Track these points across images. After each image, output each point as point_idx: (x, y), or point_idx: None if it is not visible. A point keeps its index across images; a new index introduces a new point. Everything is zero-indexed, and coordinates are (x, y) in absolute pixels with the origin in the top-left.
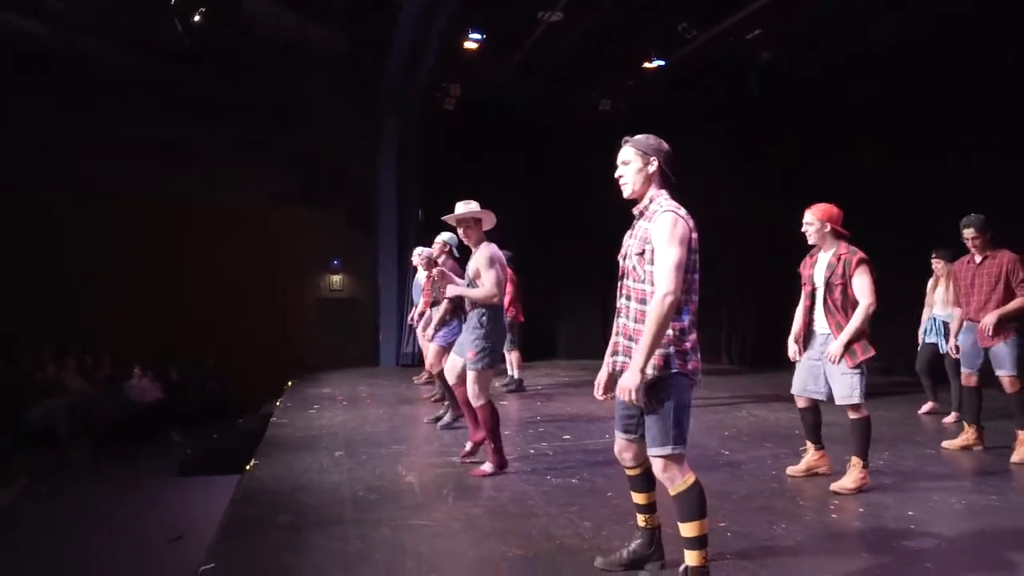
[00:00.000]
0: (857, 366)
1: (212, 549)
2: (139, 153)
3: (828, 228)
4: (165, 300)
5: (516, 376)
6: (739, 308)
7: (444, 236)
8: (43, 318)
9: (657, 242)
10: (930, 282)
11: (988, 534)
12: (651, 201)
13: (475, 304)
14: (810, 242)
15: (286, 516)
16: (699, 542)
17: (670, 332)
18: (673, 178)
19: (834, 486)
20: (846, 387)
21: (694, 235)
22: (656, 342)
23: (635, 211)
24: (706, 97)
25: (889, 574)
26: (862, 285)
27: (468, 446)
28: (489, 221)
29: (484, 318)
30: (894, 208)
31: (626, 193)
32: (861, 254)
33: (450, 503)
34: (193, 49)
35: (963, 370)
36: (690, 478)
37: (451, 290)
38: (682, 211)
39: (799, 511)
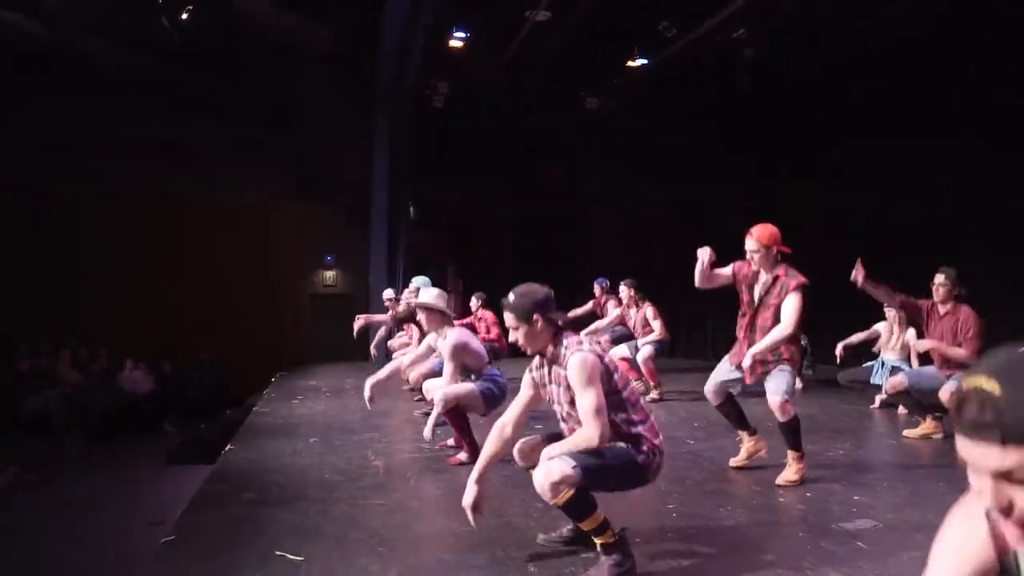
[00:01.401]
0: (789, 360)
1: (177, 523)
2: (136, 152)
3: (775, 251)
4: (161, 295)
5: None
6: (724, 308)
7: (417, 281)
8: (42, 314)
9: (575, 386)
10: (883, 325)
11: (928, 519)
12: (554, 347)
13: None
14: (754, 267)
15: (251, 494)
16: (599, 529)
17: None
18: (559, 320)
19: (778, 480)
20: (775, 383)
21: (607, 359)
22: None
23: (547, 360)
24: (696, 95)
25: (820, 551)
26: (790, 309)
27: (451, 440)
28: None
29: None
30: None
31: (528, 352)
32: (800, 279)
33: (411, 484)
34: (188, 49)
35: (899, 377)
36: (568, 492)
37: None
38: (585, 346)
39: (748, 495)
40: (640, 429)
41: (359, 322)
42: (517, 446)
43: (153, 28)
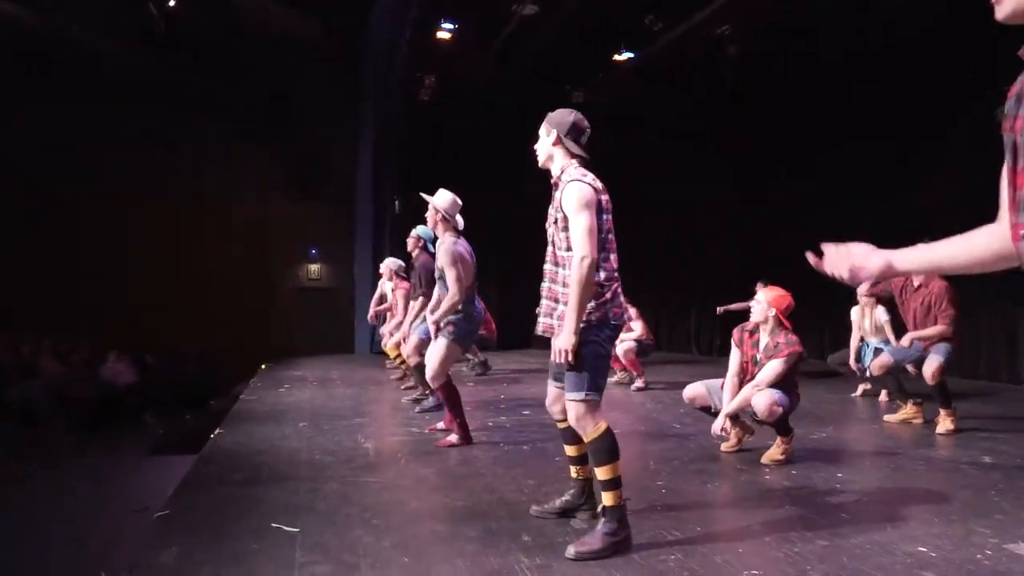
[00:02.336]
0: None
1: (168, 501)
2: (123, 145)
3: (773, 314)
4: (146, 288)
5: (480, 358)
6: (708, 303)
7: (418, 230)
8: (27, 304)
9: (568, 210)
10: (855, 311)
11: (909, 494)
12: (561, 172)
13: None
14: (752, 319)
15: (241, 474)
16: (613, 484)
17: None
18: (579, 149)
19: (764, 459)
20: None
21: (603, 198)
22: (582, 303)
23: (552, 183)
24: (685, 91)
25: (806, 521)
26: (774, 369)
27: (441, 424)
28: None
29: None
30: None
31: (538, 164)
32: (798, 348)
33: (402, 464)
34: (175, 40)
35: (883, 356)
36: (602, 425)
37: (429, 319)
38: (588, 178)
39: (734, 474)
40: (606, 276)
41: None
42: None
43: (139, 16)
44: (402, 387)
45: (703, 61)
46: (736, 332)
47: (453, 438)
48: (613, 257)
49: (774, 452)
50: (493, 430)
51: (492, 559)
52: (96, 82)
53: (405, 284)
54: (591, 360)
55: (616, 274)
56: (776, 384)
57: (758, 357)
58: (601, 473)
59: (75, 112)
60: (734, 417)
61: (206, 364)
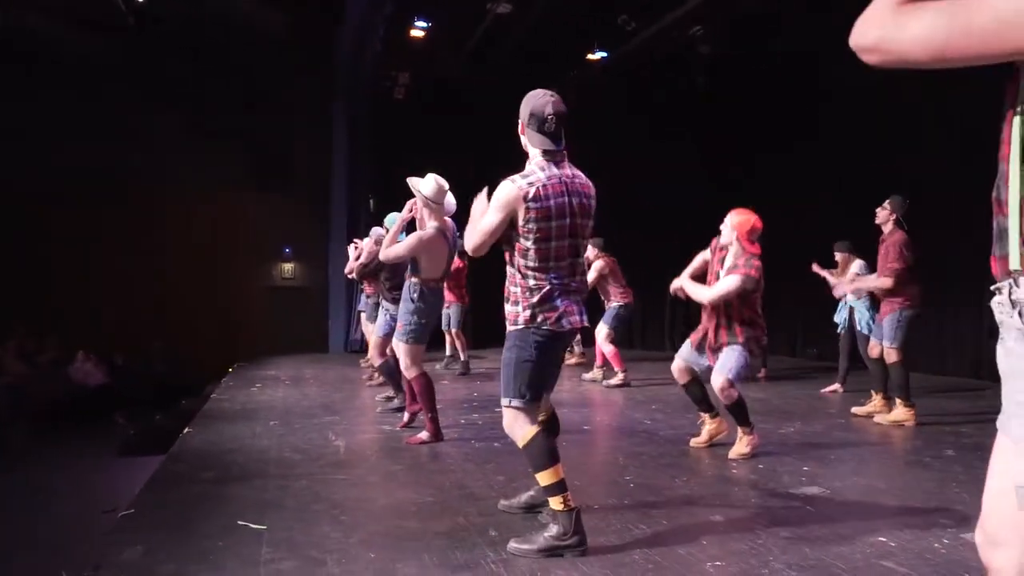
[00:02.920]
0: (744, 343)
1: (135, 499)
2: (90, 137)
3: (735, 236)
4: (116, 285)
5: (463, 358)
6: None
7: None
8: None
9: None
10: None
11: (874, 487)
12: (527, 163)
13: (409, 278)
14: (721, 241)
15: (210, 473)
16: (554, 488)
17: (517, 290)
18: (544, 140)
19: (731, 454)
20: (722, 361)
21: (552, 202)
22: None
23: None
24: (660, 89)
25: (770, 513)
26: (728, 284)
27: (405, 416)
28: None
29: (414, 293)
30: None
31: None
32: (753, 272)
33: (372, 461)
34: (143, 35)
35: (871, 341)
36: (530, 432)
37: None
38: (528, 178)
39: (702, 468)
40: (536, 281)
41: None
42: None
43: (107, 9)
44: (369, 384)
45: (676, 61)
46: (714, 241)
47: (424, 435)
48: (555, 264)
49: (740, 447)
50: (465, 427)
51: (459, 554)
52: (62, 76)
53: None
54: (514, 366)
55: (557, 280)
56: (727, 304)
57: (721, 273)
58: (540, 479)
59: (38, 107)
60: (710, 410)
61: (177, 364)
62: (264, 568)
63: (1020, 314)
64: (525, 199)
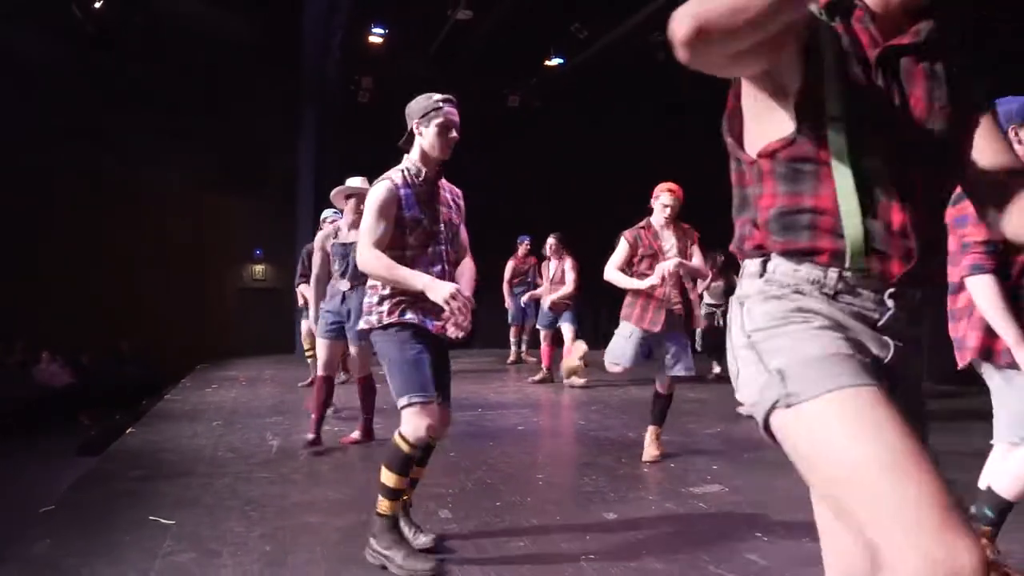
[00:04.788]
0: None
1: (60, 496)
2: (58, 140)
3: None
4: (85, 287)
5: None
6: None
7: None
8: None
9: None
10: None
11: (775, 485)
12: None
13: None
14: (666, 221)
15: (140, 471)
16: (391, 493)
17: (379, 286)
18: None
19: (644, 457)
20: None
21: (403, 191)
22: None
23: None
24: (621, 95)
25: (662, 510)
26: (701, 257)
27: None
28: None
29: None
30: None
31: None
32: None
33: (301, 460)
34: (112, 35)
35: None
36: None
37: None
38: (390, 180)
39: (616, 466)
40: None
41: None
42: None
43: (67, 18)
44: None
45: (636, 67)
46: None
47: (356, 435)
48: (425, 259)
49: (651, 450)
50: None
51: (349, 548)
52: (27, 79)
53: None
54: (388, 365)
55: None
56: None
57: (671, 251)
58: (384, 475)
59: (2, 108)
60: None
61: (146, 364)
62: (161, 560)
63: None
64: (386, 199)
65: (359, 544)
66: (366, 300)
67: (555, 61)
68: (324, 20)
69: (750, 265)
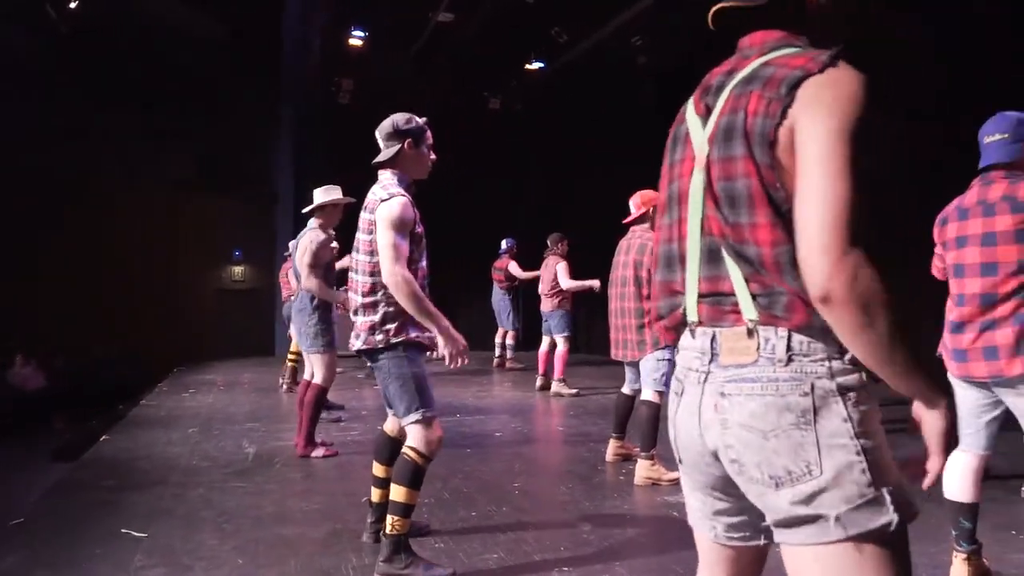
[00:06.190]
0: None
1: (31, 507)
2: (34, 138)
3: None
4: (64, 288)
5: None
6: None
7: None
8: None
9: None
10: None
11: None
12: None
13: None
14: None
15: (113, 480)
16: (405, 510)
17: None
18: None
19: (637, 480)
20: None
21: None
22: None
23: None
24: (603, 98)
25: (639, 519)
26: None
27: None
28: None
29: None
30: None
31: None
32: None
33: (276, 469)
34: (89, 35)
35: None
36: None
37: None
38: (404, 196)
39: (592, 474)
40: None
41: None
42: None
43: (40, 17)
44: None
45: (617, 71)
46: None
47: (319, 452)
48: (420, 272)
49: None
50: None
51: (325, 559)
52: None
53: None
54: (394, 382)
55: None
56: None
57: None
58: (395, 492)
59: None
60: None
61: (121, 367)
62: (134, 575)
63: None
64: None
65: (333, 556)
66: (362, 317)
67: (536, 65)
68: (303, 22)
69: (819, 346)
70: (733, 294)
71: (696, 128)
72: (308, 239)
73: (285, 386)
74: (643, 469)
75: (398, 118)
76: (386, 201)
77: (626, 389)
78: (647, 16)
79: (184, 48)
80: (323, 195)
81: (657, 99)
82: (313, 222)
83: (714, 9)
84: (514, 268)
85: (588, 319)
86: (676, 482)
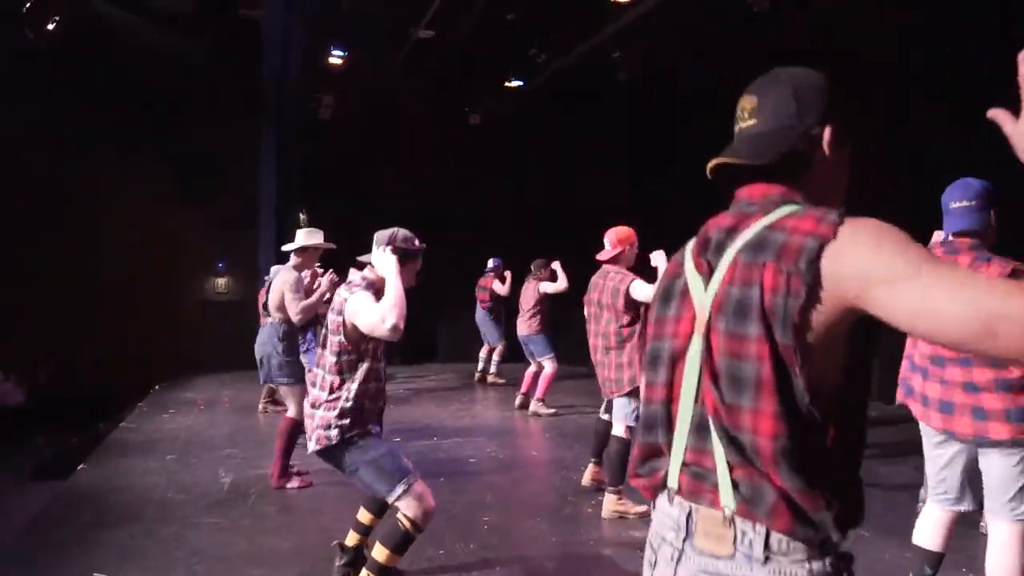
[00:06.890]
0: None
1: (2, 546)
2: (15, 152)
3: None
4: (46, 301)
5: None
6: None
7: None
8: None
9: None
10: None
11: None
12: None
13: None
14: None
15: (89, 516)
16: (384, 572)
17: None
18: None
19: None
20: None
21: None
22: None
23: None
24: (584, 113)
25: (603, 554)
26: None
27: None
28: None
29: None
30: None
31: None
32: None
33: (250, 503)
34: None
35: None
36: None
37: None
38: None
39: (562, 505)
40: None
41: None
42: None
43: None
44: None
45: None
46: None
47: (295, 483)
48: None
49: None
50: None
51: None
52: None
53: None
54: (365, 467)
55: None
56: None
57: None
58: (378, 552)
59: None
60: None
61: (102, 381)
62: None
63: None
64: None
65: None
66: (322, 412)
67: (515, 83)
68: (282, 44)
69: (800, 546)
70: (715, 472)
71: (697, 287)
72: (282, 280)
73: (261, 406)
74: (611, 503)
75: (401, 234)
76: (351, 297)
77: (605, 416)
78: (627, 31)
79: (163, 62)
80: (306, 237)
81: (637, 115)
82: (292, 259)
83: (713, 163)
84: (498, 287)
85: (565, 329)
86: (644, 515)
